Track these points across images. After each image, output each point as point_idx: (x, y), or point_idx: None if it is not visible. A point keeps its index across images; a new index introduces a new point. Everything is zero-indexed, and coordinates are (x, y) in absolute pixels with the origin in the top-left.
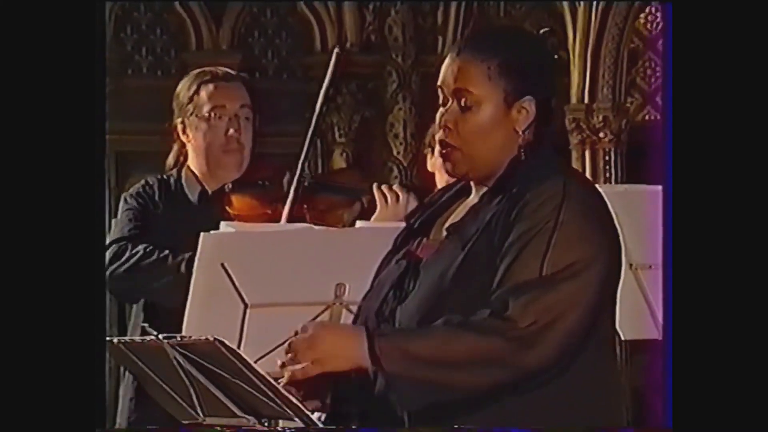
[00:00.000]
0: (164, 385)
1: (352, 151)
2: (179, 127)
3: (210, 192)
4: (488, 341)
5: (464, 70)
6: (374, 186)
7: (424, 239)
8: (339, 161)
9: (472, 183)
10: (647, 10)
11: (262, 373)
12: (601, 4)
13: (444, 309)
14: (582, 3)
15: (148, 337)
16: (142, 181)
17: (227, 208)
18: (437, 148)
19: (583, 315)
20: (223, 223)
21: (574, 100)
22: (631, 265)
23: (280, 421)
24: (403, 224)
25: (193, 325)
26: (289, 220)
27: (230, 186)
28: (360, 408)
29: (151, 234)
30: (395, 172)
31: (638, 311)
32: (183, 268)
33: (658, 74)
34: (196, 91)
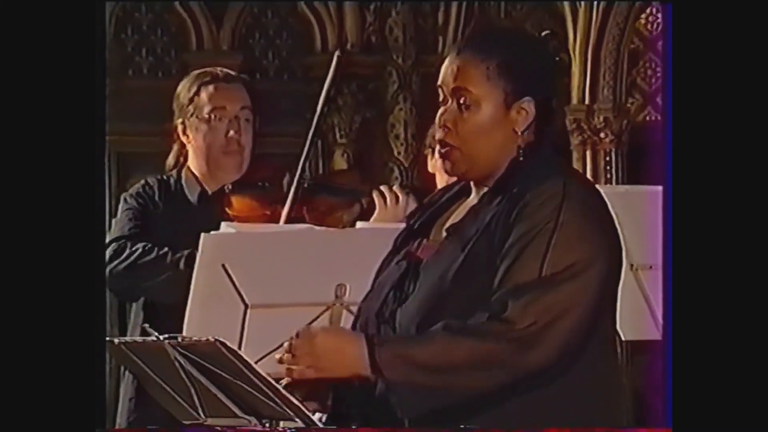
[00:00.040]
0: (165, 386)
1: (352, 152)
2: (179, 128)
3: (210, 193)
4: (487, 345)
5: (464, 69)
6: (374, 188)
7: (424, 240)
8: (340, 162)
9: (471, 183)
10: (648, 10)
11: (263, 373)
12: (602, 4)
13: (444, 310)
14: (582, 3)
15: (149, 338)
16: (142, 182)
17: (227, 209)
18: (437, 147)
19: (583, 315)
20: (223, 224)
21: (574, 100)
22: (631, 265)
23: (281, 422)
24: (403, 225)
25: (193, 326)
26: (289, 221)
27: (230, 187)
28: (361, 409)
29: (150, 234)
30: (396, 172)
31: (639, 312)
32: (182, 264)
33: (658, 75)
34: (197, 92)
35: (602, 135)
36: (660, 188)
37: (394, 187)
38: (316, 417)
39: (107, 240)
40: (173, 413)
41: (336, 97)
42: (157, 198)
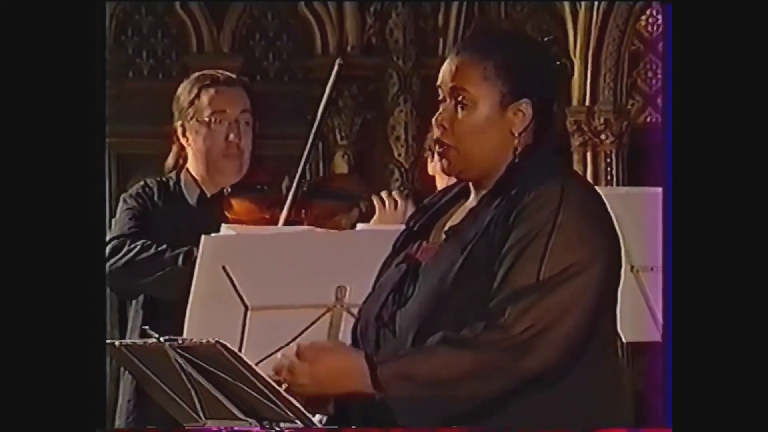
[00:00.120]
0: (165, 388)
1: (353, 154)
2: (179, 130)
3: (209, 195)
4: (486, 355)
5: (462, 69)
6: (373, 193)
7: (424, 242)
8: (340, 163)
9: (470, 185)
10: (648, 12)
11: (264, 375)
12: (602, 5)
13: (444, 312)
14: (583, 5)
15: (149, 340)
16: (141, 183)
17: (226, 212)
18: (435, 147)
19: (582, 317)
20: (223, 226)
21: (575, 102)
22: (632, 267)
23: (281, 423)
24: (403, 226)
25: (194, 328)
26: (287, 224)
27: (229, 190)
28: (362, 410)
29: (149, 234)
30: (396, 174)
31: (639, 313)
32: (181, 260)
33: (659, 76)
34: (197, 95)
35: (603, 136)
36: (660, 190)
37: (394, 192)
38: (316, 419)
39: (108, 238)
40: (173, 415)
41: (336, 99)
42: (156, 198)
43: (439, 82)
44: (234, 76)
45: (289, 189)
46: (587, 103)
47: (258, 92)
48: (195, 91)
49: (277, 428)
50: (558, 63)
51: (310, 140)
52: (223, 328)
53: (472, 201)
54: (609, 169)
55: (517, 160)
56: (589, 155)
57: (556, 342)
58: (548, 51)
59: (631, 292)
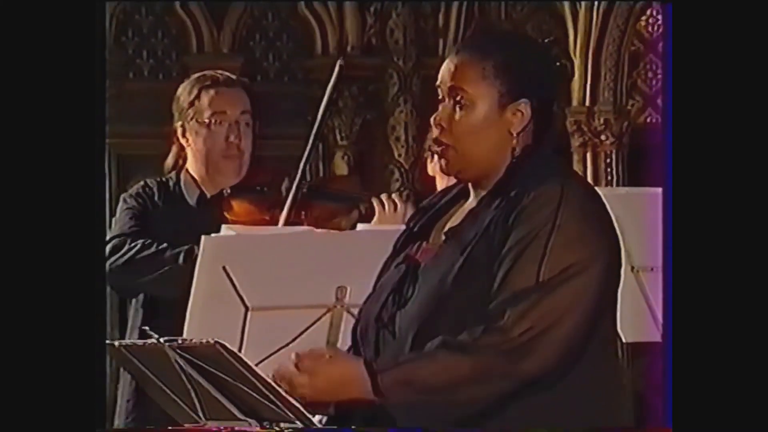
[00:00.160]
0: (165, 388)
1: (353, 154)
2: (179, 131)
3: (208, 196)
4: (485, 359)
5: (461, 68)
6: (373, 197)
7: (424, 243)
8: (340, 164)
9: (470, 186)
10: (648, 12)
11: (264, 376)
12: (602, 6)
13: (444, 313)
14: (583, 5)
15: (149, 341)
16: (141, 183)
17: (226, 213)
18: (433, 146)
19: (581, 318)
20: (223, 226)
21: (575, 102)
22: (632, 267)
23: (281, 424)
24: (404, 227)
25: (194, 328)
26: (287, 226)
27: (228, 191)
28: (362, 411)
29: (150, 233)
30: (396, 175)
31: (639, 313)
32: (182, 259)
33: (659, 77)
34: (197, 96)
35: (603, 137)
36: (660, 190)
37: (393, 195)
38: (316, 419)
39: (108, 237)
40: (173, 415)
41: (336, 99)
42: (156, 198)
43: (438, 82)
44: (234, 76)
45: (288, 190)
46: (587, 103)
47: (258, 93)
48: (195, 92)
49: (277, 428)
50: (558, 64)
51: (311, 141)
52: (223, 329)
53: (471, 202)
54: (609, 169)
55: (516, 160)
56: (589, 156)
57: (556, 344)
58: (548, 52)
59: (631, 293)
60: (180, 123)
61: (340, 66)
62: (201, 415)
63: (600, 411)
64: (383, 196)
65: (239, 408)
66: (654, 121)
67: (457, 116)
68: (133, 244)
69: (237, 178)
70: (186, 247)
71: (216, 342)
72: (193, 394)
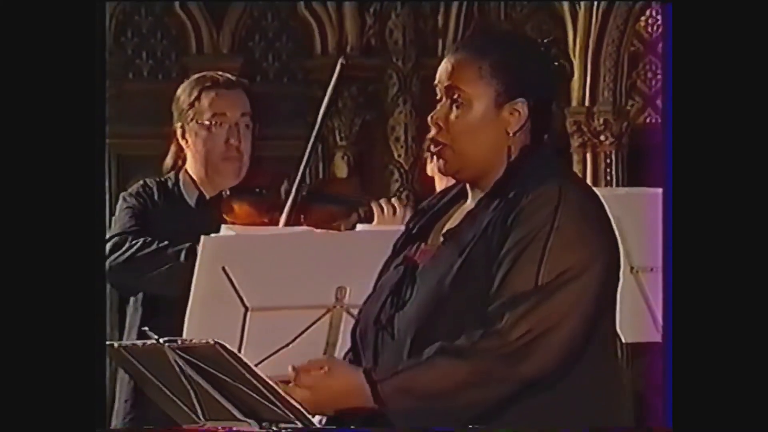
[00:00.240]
0: (164, 389)
1: (353, 155)
2: (178, 132)
3: (207, 197)
4: (484, 364)
5: (458, 68)
6: (372, 201)
7: (422, 244)
8: (340, 164)
9: (468, 187)
10: (648, 12)
11: (263, 376)
12: (602, 6)
13: (442, 315)
14: (582, 5)
15: (148, 341)
16: (141, 182)
17: (225, 215)
18: (431, 146)
19: (580, 320)
20: (223, 226)
21: (574, 102)
22: (632, 267)
23: (281, 424)
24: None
25: (193, 329)
26: None
27: (227, 192)
28: (363, 412)
29: (149, 233)
30: (396, 175)
31: (639, 314)
32: (183, 257)
33: (658, 77)
34: (197, 98)
35: (602, 137)
36: (660, 190)
37: (393, 199)
38: (316, 419)
39: (108, 236)
40: (172, 416)
41: (336, 100)
42: (156, 198)
43: (435, 82)
44: (234, 78)
45: (288, 193)
46: (587, 103)
47: (257, 93)
48: (195, 93)
49: (276, 429)
50: (556, 64)
51: (311, 143)
52: (223, 329)
53: (470, 203)
54: (608, 169)
55: (514, 161)
56: (588, 156)
57: (555, 346)
58: (546, 51)
59: (630, 293)
60: (180, 124)
61: (342, 65)
62: (200, 415)
63: (600, 411)
64: (382, 201)
65: (239, 408)
66: (653, 121)
67: (454, 115)
68: (134, 242)
69: (236, 180)
70: (187, 244)
71: (216, 342)
72: (192, 395)
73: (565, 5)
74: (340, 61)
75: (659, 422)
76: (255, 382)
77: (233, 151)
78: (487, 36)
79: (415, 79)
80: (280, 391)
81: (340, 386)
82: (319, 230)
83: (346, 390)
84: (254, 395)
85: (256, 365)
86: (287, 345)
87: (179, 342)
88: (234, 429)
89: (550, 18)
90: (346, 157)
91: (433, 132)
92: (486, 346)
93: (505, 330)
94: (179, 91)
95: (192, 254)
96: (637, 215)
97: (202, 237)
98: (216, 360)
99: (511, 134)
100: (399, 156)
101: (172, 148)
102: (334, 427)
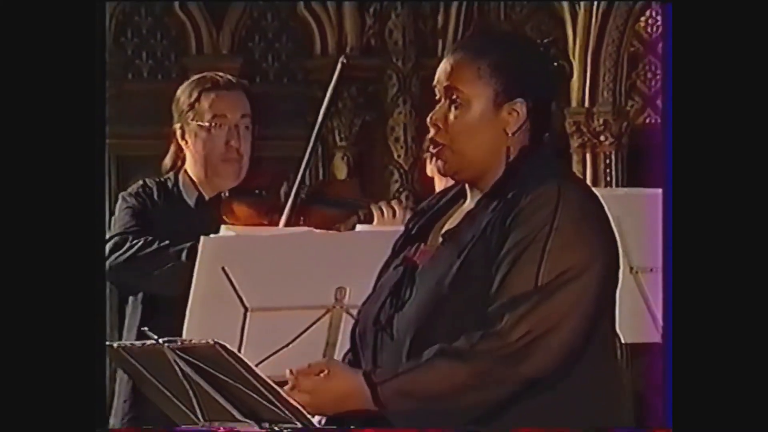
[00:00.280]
0: (164, 389)
1: (352, 155)
2: (178, 133)
3: (207, 198)
4: (483, 365)
5: (456, 68)
6: (372, 203)
7: (422, 245)
8: (340, 165)
9: (467, 187)
10: (647, 13)
11: (263, 376)
12: (602, 6)
13: (442, 316)
14: (582, 5)
15: (147, 342)
16: (140, 182)
17: (224, 216)
18: (430, 146)
19: (580, 321)
20: (223, 227)
21: (574, 103)
22: (631, 268)
23: (280, 424)
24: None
25: (193, 329)
26: None
27: (227, 194)
28: (363, 414)
29: (149, 232)
30: (396, 176)
31: (639, 314)
32: (185, 256)
33: (658, 77)
34: (197, 99)
35: (602, 138)
36: (660, 191)
37: (393, 202)
38: (316, 420)
39: (108, 235)
40: (172, 416)
41: (337, 100)
42: (156, 198)
43: (434, 82)
44: (234, 79)
45: (287, 195)
46: (586, 104)
47: (257, 93)
48: (195, 94)
49: (276, 429)
50: (555, 64)
51: (311, 144)
52: (223, 329)
53: (469, 203)
54: (608, 170)
55: (513, 161)
56: (588, 156)
57: (554, 347)
58: (545, 51)
59: (630, 293)
60: (179, 125)
61: (342, 64)
62: (200, 416)
63: (600, 411)
64: (382, 203)
65: (238, 409)
66: (653, 121)
67: (452, 116)
68: (135, 242)
69: (235, 181)
70: (188, 244)
71: (215, 343)
72: (192, 395)
73: (565, 5)
74: (341, 60)
75: (659, 422)
76: (255, 382)
77: (233, 153)
78: (485, 36)
79: (414, 80)
80: (279, 391)
81: (340, 389)
82: (318, 230)
83: (346, 393)
84: (254, 395)
85: (255, 365)
86: (287, 345)
87: (179, 342)
88: (234, 430)
89: (549, 18)
90: (345, 158)
91: (432, 132)
92: (486, 348)
93: (504, 331)
94: (179, 92)
95: (193, 254)
96: (636, 215)
97: (202, 237)
98: (216, 360)
99: (509, 134)
100: (399, 156)
101: (172, 149)
102: (334, 427)
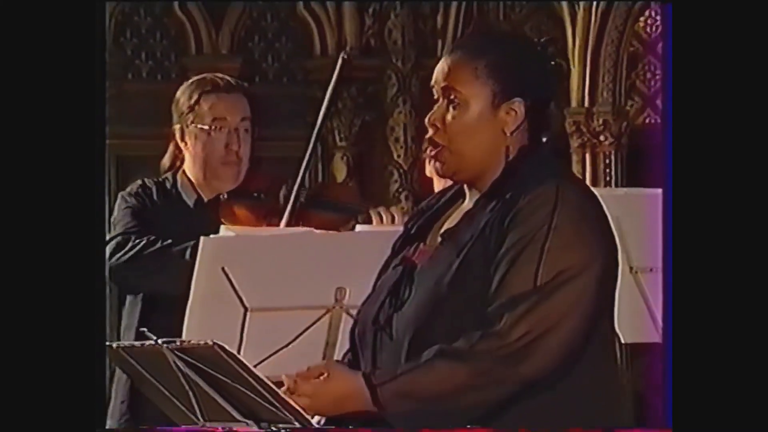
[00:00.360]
0: (163, 390)
1: (352, 155)
2: (177, 134)
3: (206, 200)
4: (483, 366)
5: (454, 69)
6: (371, 208)
7: (421, 245)
8: (339, 165)
9: (466, 187)
10: (647, 13)
11: (262, 377)
12: (601, 6)
13: (440, 316)
14: (581, 5)
15: (147, 342)
16: (139, 182)
17: (223, 219)
18: (428, 147)
19: (579, 321)
20: (222, 227)
21: (573, 103)
22: (631, 268)
23: (279, 425)
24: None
25: (193, 329)
26: None
27: (225, 196)
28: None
29: (150, 232)
30: (395, 176)
31: (638, 314)
32: (188, 255)
33: (658, 77)
34: (197, 101)
35: (601, 138)
36: (659, 191)
37: (392, 208)
38: (315, 420)
39: (110, 235)
40: (171, 417)
41: (336, 100)
42: (155, 198)
43: (432, 82)
44: (234, 81)
45: (287, 197)
46: (586, 104)
47: (257, 94)
48: (195, 96)
49: (275, 429)
50: (552, 63)
51: (311, 144)
52: (223, 330)
53: (468, 203)
54: (608, 170)
55: (511, 161)
56: (588, 156)
57: (554, 347)
58: (543, 51)
59: (630, 293)
60: (179, 126)
61: (343, 59)
62: (199, 416)
63: (600, 411)
64: (381, 208)
65: (237, 409)
66: (653, 121)
67: (450, 116)
68: (137, 241)
69: (234, 184)
70: (191, 243)
71: (214, 343)
72: (191, 396)
73: (564, 6)
74: (342, 55)
75: (659, 422)
76: (254, 382)
77: (232, 156)
78: (482, 36)
79: (414, 80)
80: (278, 391)
81: (340, 391)
82: (318, 231)
83: (346, 395)
84: (253, 396)
85: (255, 366)
86: (287, 345)
87: (178, 343)
88: (234, 430)
89: (549, 18)
90: (345, 158)
91: (430, 133)
92: (485, 348)
93: (504, 331)
94: (179, 93)
95: (196, 252)
96: (636, 216)
97: (202, 237)
98: (215, 361)
99: (508, 134)
100: (398, 156)
101: (171, 149)
102: (334, 427)
